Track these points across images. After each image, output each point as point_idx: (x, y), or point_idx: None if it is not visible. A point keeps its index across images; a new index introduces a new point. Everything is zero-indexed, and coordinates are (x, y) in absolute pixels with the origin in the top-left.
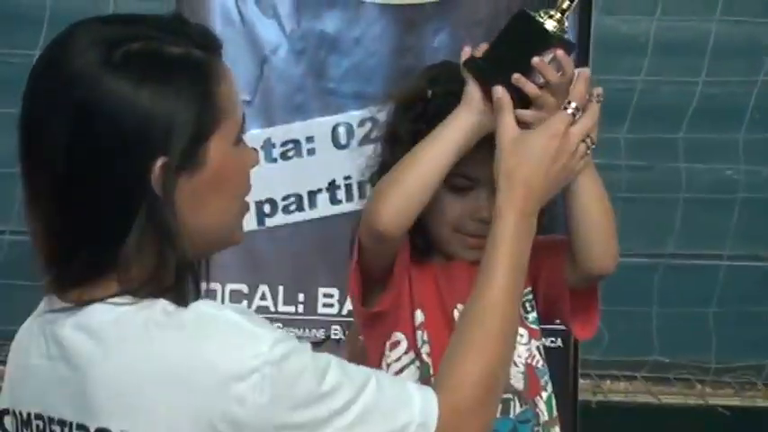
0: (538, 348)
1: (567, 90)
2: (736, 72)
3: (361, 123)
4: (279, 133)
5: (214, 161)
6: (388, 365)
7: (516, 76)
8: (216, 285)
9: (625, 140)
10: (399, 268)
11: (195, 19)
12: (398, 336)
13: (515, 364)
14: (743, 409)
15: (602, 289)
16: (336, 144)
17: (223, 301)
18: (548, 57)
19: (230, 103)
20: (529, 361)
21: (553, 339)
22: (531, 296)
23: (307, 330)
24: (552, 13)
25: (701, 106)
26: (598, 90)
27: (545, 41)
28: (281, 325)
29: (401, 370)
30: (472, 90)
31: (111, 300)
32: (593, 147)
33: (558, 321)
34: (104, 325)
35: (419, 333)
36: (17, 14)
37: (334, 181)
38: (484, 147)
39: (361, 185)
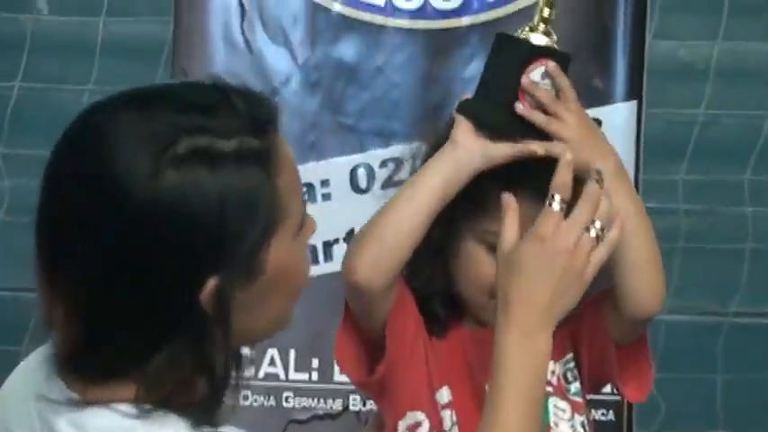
0: (582, 424)
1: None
2: None
3: (383, 164)
4: None
5: (273, 264)
6: None
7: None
8: None
9: (683, 182)
10: (406, 335)
11: (193, 45)
12: (418, 416)
13: None
14: None
15: (659, 353)
16: (355, 188)
17: None
18: (538, 72)
19: (292, 193)
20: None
21: (604, 412)
22: (572, 364)
23: (322, 401)
24: (533, 25)
25: None
26: (597, 168)
27: (530, 56)
28: (293, 395)
29: None
30: (457, 130)
31: (119, 406)
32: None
33: (607, 391)
34: None
35: (446, 413)
36: None
37: (352, 230)
38: (526, 204)
39: None
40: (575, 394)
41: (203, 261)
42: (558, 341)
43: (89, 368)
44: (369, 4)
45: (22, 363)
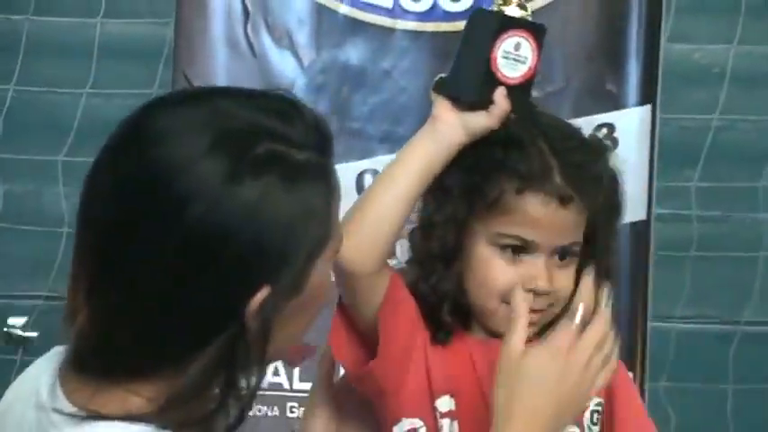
0: None
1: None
2: None
3: None
4: None
5: (313, 284)
6: None
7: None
8: None
9: (697, 189)
10: (394, 343)
11: (194, 47)
12: (413, 422)
13: None
14: None
15: (669, 362)
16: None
17: None
18: (512, 42)
19: (338, 216)
20: None
21: None
22: (600, 408)
23: None
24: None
25: None
26: (607, 290)
27: (503, 26)
28: (295, 404)
29: None
30: (435, 108)
31: (123, 422)
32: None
33: None
34: None
35: (445, 421)
36: None
37: None
38: (537, 203)
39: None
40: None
41: (263, 269)
42: None
43: (108, 367)
44: (376, 6)
45: (26, 370)
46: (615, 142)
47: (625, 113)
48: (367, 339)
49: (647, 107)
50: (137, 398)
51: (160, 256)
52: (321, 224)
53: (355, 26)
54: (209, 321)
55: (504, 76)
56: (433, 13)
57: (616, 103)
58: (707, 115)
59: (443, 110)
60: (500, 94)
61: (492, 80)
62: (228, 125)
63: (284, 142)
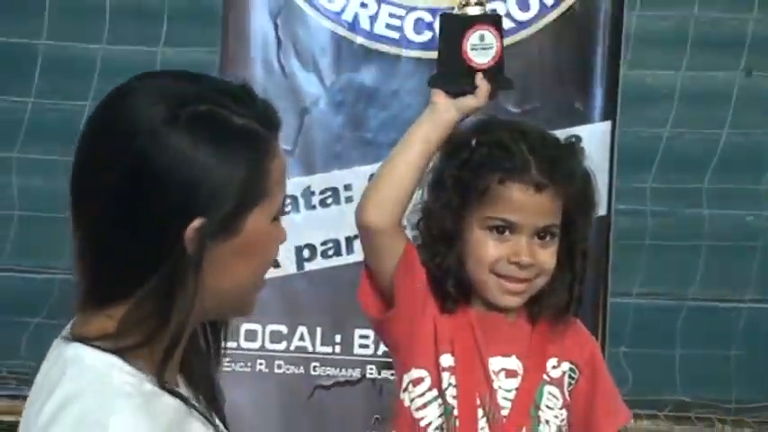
0: (567, 417)
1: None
2: (760, 124)
3: None
4: (318, 181)
5: (249, 232)
6: (412, 401)
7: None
8: (256, 326)
9: (651, 189)
10: (408, 299)
11: (237, 69)
12: (421, 372)
13: (548, 423)
14: None
15: (628, 332)
16: None
17: (263, 341)
18: (476, 35)
19: (278, 183)
20: (562, 424)
21: None
22: (574, 374)
23: (343, 370)
24: (465, 1)
25: (724, 156)
26: None
27: (466, 24)
28: (319, 365)
29: (425, 405)
30: (433, 97)
31: (92, 342)
32: None
33: None
34: (60, 363)
35: (445, 375)
36: (68, 65)
37: None
38: (518, 190)
39: None
40: (568, 393)
41: (194, 202)
42: (576, 345)
43: (89, 295)
44: (386, 37)
45: None
46: (582, 151)
47: (590, 127)
48: (387, 296)
49: (609, 122)
50: (111, 321)
51: (113, 184)
52: (252, 180)
53: (368, 54)
54: (155, 245)
55: (478, 63)
56: (432, 43)
57: (583, 119)
58: (658, 129)
59: (439, 97)
60: (480, 79)
61: (469, 69)
62: (182, 90)
63: (227, 109)
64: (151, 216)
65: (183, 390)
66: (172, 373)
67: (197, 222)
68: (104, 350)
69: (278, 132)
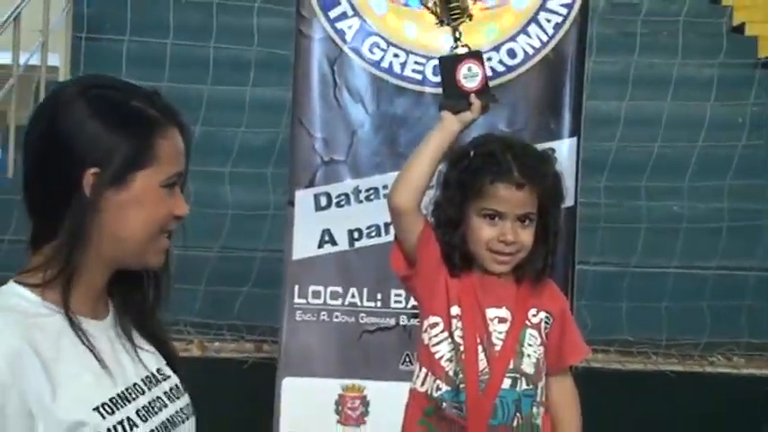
0: (542, 353)
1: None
2: (682, 138)
3: None
4: (364, 183)
5: (137, 188)
6: (430, 339)
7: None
8: (320, 288)
9: (604, 187)
10: (426, 264)
11: (305, 103)
12: (436, 319)
13: (529, 356)
14: (684, 372)
15: (587, 291)
16: None
17: (325, 298)
18: (465, 69)
19: (166, 157)
20: (540, 357)
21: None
22: (548, 320)
23: (383, 319)
24: (455, 45)
25: (656, 163)
26: None
27: (457, 61)
28: (365, 315)
29: (439, 343)
30: (442, 114)
31: (17, 278)
32: None
33: None
34: None
35: (454, 321)
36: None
37: None
38: (503, 188)
39: None
40: (545, 335)
41: (90, 156)
42: (550, 299)
43: (31, 241)
44: (412, 78)
45: None
46: (555, 159)
47: (561, 142)
48: (411, 261)
49: (575, 138)
50: (42, 258)
51: (34, 144)
52: (140, 147)
53: (399, 90)
54: (64, 189)
55: (469, 87)
56: None
57: (556, 136)
58: (609, 143)
59: (447, 115)
60: (472, 98)
61: (464, 92)
62: (99, 80)
63: (128, 95)
64: (58, 166)
65: (111, 327)
66: (88, 306)
67: (92, 170)
68: (22, 284)
69: (175, 123)
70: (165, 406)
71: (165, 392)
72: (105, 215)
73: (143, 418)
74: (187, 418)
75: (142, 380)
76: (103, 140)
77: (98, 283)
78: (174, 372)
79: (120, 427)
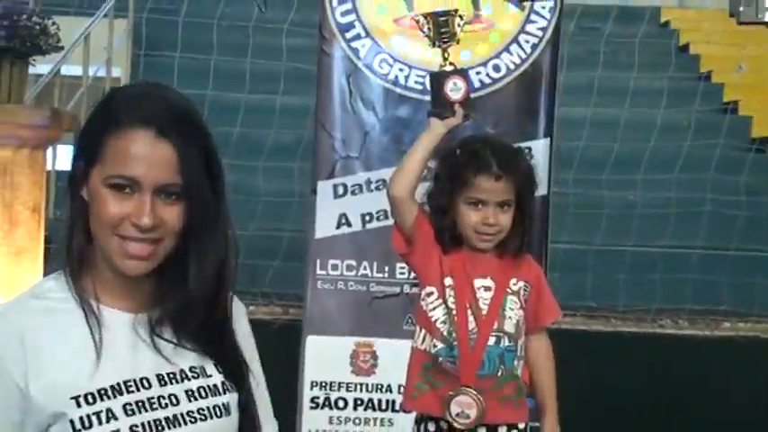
0: (522, 316)
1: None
2: (638, 139)
3: None
4: (374, 175)
5: (91, 184)
6: (427, 305)
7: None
8: (337, 261)
9: (572, 179)
10: (422, 244)
11: (326, 109)
12: (431, 288)
13: (510, 318)
14: (638, 333)
15: (559, 264)
16: None
17: (342, 270)
18: (451, 83)
19: (111, 157)
20: (519, 319)
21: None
22: (527, 288)
23: (389, 287)
24: (443, 63)
25: (616, 159)
26: None
27: (444, 76)
28: (375, 284)
29: (434, 308)
30: (432, 121)
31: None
32: None
33: None
34: None
35: (447, 290)
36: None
37: None
38: (484, 180)
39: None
40: (524, 300)
41: (78, 149)
42: (528, 271)
43: None
44: (414, 89)
45: None
46: (532, 156)
47: (537, 142)
48: (408, 241)
49: (548, 138)
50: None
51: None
52: (91, 145)
53: (403, 99)
54: (71, 183)
55: (454, 99)
56: None
57: (532, 136)
58: (577, 142)
59: (434, 120)
60: (456, 107)
61: (449, 103)
62: (121, 88)
63: (112, 99)
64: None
65: (146, 322)
66: (116, 296)
67: (79, 164)
68: (66, 272)
69: (143, 126)
70: (175, 404)
71: (187, 390)
72: (89, 212)
73: (129, 413)
74: (208, 418)
75: (158, 375)
76: (81, 136)
77: (118, 275)
78: (229, 373)
79: (94, 418)
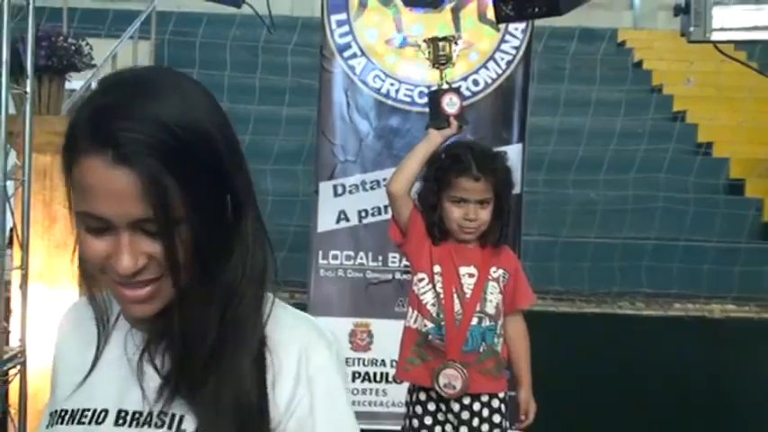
0: (501, 300)
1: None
2: (599, 144)
3: None
4: (369, 177)
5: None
6: (418, 290)
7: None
8: (337, 252)
9: (542, 179)
10: (415, 236)
11: (327, 119)
12: (422, 275)
13: (491, 301)
14: (600, 313)
15: (531, 253)
16: None
17: (341, 260)
18: (447, 99)
19: (78, 190)
20: (499, 302)
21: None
22: (505, 276)
23: (383, 274)
24: (441, 82)
25: (581, 162)
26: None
27: (442, 93)
28: (370, 272)
29: (425, 292)
30: (431, 131)
31: None
32: None
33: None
34: None
35: (436, 276)
36: (234, 119)
37: None
38: (465, 181)
39: None
40: (502, 286)
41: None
42: (506, 260)
43: None
44: (403, 101)
45: None
46: (507, 159)
47: (512, 147)
48: (403, 232)
49: (521, 144)
50: None
51: None
52: (66, 169)
53: (394, 110)
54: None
55: (450, 112)
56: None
57: (507, 142)
58: (546, 147)
59: (432, 131)
60: (451, 120)
61: (445, 115)
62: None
63: (84, 109)
64: None
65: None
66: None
67: (67, 186)
68: None
69: (93, 149)
70: None
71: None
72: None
73: None
74: None
75: (120, 411)
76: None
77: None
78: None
79: None
